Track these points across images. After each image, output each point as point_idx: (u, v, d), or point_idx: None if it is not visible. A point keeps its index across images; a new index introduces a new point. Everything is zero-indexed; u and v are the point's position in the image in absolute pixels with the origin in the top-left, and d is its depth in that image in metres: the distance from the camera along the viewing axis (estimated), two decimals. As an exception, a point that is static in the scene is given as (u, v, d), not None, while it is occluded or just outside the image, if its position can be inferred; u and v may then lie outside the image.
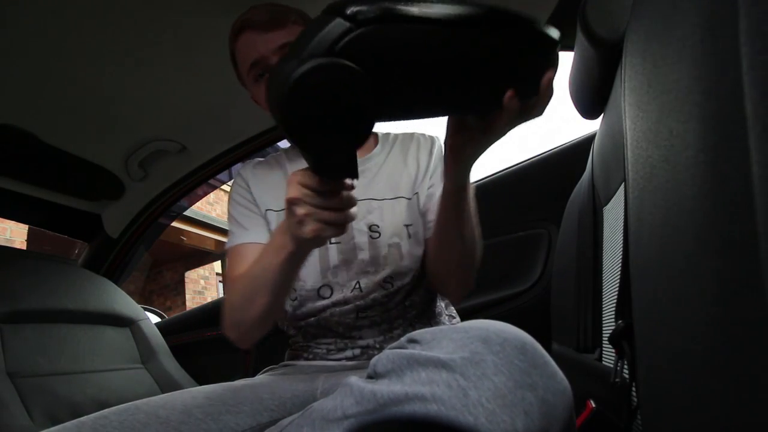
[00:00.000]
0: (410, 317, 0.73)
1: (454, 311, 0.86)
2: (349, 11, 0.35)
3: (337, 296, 0.72)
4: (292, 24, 0.69)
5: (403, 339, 0.42)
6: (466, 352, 0.36)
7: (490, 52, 0.42)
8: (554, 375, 0.37)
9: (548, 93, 0.47)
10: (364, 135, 0.40)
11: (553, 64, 0.46)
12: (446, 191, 0.61)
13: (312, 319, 0.74)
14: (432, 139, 0.83)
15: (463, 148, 0.54)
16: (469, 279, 0.71)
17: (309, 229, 0.46)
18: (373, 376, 0.40)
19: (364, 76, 0.36)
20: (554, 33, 0.45)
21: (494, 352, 0.36)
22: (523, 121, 0.50)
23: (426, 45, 0.38)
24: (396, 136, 0.85)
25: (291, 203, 0.46)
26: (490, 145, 0.53)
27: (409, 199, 0.77)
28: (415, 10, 0.37)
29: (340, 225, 0.47)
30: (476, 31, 0.40)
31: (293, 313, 0.75)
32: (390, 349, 0.41)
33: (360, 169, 0.46)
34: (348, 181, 0.46)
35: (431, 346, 0.38)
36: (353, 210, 0.47)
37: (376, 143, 0.83)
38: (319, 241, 0.48)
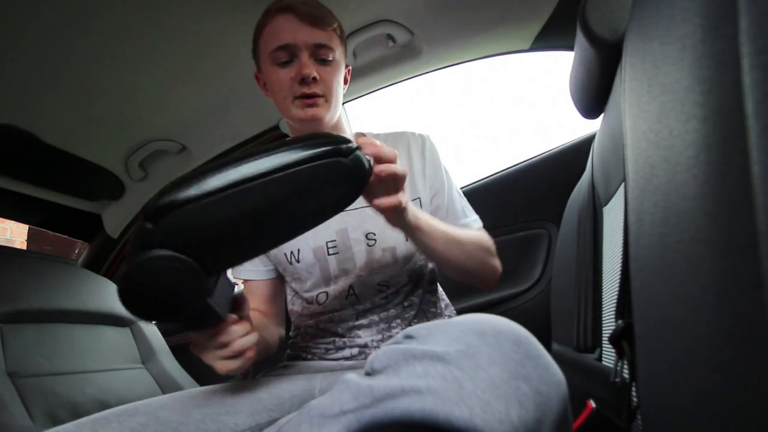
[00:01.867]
0: (409, 317, 0.73)
1: (454, 312, 0.85)
2: (145, 212, 0.40)
3: (333, 303, 0.72)
4: (332, 31, 0.68)
5: (399, 335, 0.43)
6: (461, 344, 0.36)
7: (291, 190, 0.42)
8: (548, 367, 0.37)
9: (388, 173, 0.48)
10: (200, 297, 0.42)
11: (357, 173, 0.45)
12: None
13: (311, 321, 0.74)
14: (423, 138, 0.80)
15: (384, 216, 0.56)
16: (484, 277, 0.73)
17: (216, 366, 0.50)
18: (370, 373, 0.40)
19: (172, 257, 0.39)
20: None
21: (489, 344, 0.36)
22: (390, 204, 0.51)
23: (220, 211, 0.40)
24: (387, 136, 0.82)
25: (191, 347, 0.51)
26: (403, 218, 0.56)
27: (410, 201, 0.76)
28: (192, 192, 0.39)
29: (239, 355, 0.50)
30: (264, 182, 0.41)
31: (300, 312, 0.76)
32: (387, 345, 0.41)
33: None
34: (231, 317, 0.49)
35: (427, 341, 0.39)
36: (248, 338, 0.50)
37: None
38: (233, 372, 0.51)
